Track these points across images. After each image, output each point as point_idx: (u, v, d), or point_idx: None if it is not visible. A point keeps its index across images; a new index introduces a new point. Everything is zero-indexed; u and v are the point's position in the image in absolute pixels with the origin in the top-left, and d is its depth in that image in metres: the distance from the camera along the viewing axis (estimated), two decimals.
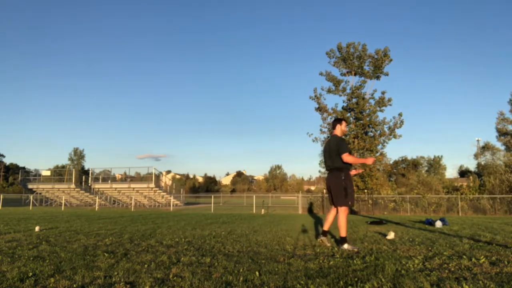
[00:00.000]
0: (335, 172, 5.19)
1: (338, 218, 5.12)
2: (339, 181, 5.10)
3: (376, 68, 24.29)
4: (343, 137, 5.42)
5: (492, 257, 4.20)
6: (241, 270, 3.51)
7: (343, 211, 5.09)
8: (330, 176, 5.29)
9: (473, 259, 4.04)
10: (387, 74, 24.67)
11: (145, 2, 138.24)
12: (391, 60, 24.34)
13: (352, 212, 19.80)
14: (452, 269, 3.57)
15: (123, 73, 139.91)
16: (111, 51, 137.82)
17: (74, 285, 2.96)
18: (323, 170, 26.42)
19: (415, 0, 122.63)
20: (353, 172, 5.46)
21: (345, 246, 4.91)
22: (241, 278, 3.15)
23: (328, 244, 5.17)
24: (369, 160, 5.29)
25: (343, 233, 5.05)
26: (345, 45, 24.83)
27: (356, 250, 4.81)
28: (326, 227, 5.41)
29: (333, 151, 5.18)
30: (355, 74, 24.88)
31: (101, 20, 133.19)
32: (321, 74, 25.09)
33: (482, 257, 4.18)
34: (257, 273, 3.36)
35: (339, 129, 5.40)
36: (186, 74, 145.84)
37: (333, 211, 5.29)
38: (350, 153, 5.17)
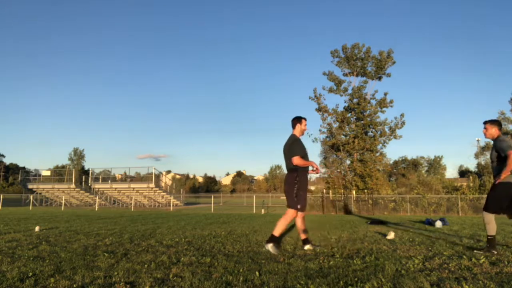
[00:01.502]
0: (289, 174, 4.95)
1: (282, 217, 4.86)
2: (291, 183, 4.85)
3: (378, 69, 24.33)
4: (300, 137, 5.15)
5: (492, 257, 4.20)
6: (241, 270, 3.51)
7: (290, 213, 4.82)
8: (285, 177, 5.06)
9: (473, 259, 4.04)
10: (389, 76, 24.71)
11: (144, 1, 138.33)
12: (394, 62, 24.38)
13: (346, 212, 19.81)
14: (452, 269, 3.57)
15: (123, 73, 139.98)
16: (111, 50, 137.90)
17: (74, 285, 2.96)
18: (323, 170, 26.43)
19: (415, 0, 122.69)
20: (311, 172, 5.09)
21: (269, 246, 4.62)
22: (241, 278, 3.15)
23: (317, 248, 4.92)
24: (316, 167, 4.95)
25: (277, 232, 4.76)
26: (350, 46, 24.89)
27: (279, 252, 4.56)
28: (302, 236, 5.08)
29: (286, 151, 4.96)
30: (357, 75, 24.92)
31: (101, 20, 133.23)
32: (324, 73, 25.14)
33: (482, 257, 4.19)
34: (257, 273, 3.36)
35: (299, 129, 5.12)
36: (186, 73, 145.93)
37: (297, 216, 4.97)
38: (303, 156, 4.88)
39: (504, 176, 4.51)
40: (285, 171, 5.16)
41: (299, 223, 5.05)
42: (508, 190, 4.59)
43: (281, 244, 5.45)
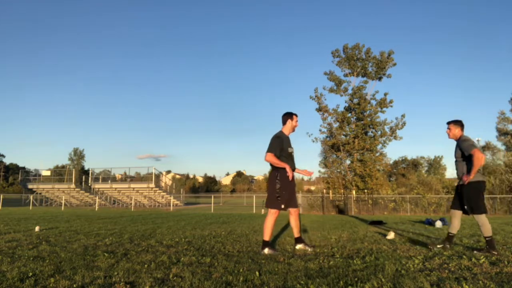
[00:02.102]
0: (271, 172, 4.80)
1: (265, 220, 4.71)
2: (272, 182, 4.70)
3: (379, 69, 24.35)
4: (290, 134, 4.97)
5: (492, 257, 4.20)
6: (241, 270, 3.51)
7: (272, 213, 4.66)
8: (269, 174, 4.89)
9: (473, 259, 4.04)
10: (389, 76, 24.72)
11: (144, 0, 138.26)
12: (394, 64, 24.40)
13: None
14: (452, 269, 3.57)
15: (123, 73, 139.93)
16: (111, 50, 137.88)
17: (74, 285, 2.96)
18: (323, 170, 26.44)
19: (415, 0, 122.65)
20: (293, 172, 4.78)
21: (266, 250, 4.54)
22: (241, 278, 3.15)
23: (309, 249, 4.78)
24: (289, 171, 4.59)
25: (266, 236, 4.63)
26: (351, 47, 24.89)
27: (277, 253, 4.51)
28: (295, 234, 4.93)
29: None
30: (357, 75, 24.93)
31: (100, 19, 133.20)
32: (325, 73, 25.16)
33: (482, 257, 4.19)
34: (257, 273, 3.36)
35: (290, 125, 4.93)
36: (187, 73, 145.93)
37: (290, 215, 4.86)
38: (281, 154, 4.70)
39: (474, 175, 4.60)
40: None
41: (292, 221, 4.87)
42: (481, 187, 4.73)
43: (275, 244, 5.45)
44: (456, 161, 4.95)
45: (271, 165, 4.78)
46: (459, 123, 4.92)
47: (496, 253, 4.47)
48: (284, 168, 4.65)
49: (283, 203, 4.67)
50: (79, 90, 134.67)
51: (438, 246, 4.86)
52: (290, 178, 4.66)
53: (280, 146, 4.73)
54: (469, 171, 4.68)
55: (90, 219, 11.93)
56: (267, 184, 4.87)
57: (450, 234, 4.99)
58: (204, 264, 3.86)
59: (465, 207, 4.78)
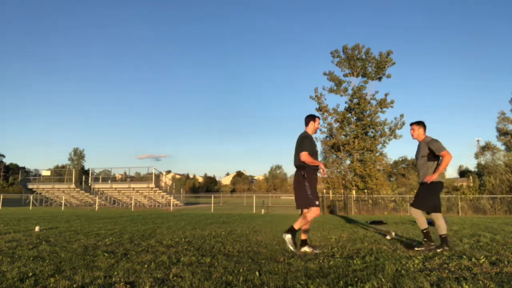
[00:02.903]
0: (297, 171, 4.90)
1: (302, 217, 4.78)
2: (300, 181, 4.79)
3: (378, 69, 24.36)
4: (312, 135, 5.11)
5: (492, 257, 4.20)
6: (241, 270, 3.51)
7: (312, 211, 4.72)
8: (294, 175, 4.97)
9: (473, 259, 4.04)
10: (389, 77, 24.74)
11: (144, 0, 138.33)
12: (394, 63, 24.43)
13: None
14: (452, 269, 3.57)
15: (123, 73, 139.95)
16: (111, 50, 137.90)
17: (74, 285, 2.96)
18: (326, 170, 26.45)
19: (415, 0, 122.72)
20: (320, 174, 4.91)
21: (287, 236, 4.73)
22: (241, 278, 3.15)
23: (317, 251, 4.73)
24: (323, 169, 4.79)
25: (296, 225, 4.75)
26: (351, 47, 24.91)
27: (290, 247, 4.64)
28: (302, 235, 4.94)
29: (296, 147, 4.91)
30: (357, 75, 24.94)
31: (100, 19, 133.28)
32: (324, 74, 25.17)
33: (482, 257, 4.19)
34: (257, 273, 3.36)
35: (312, 126, 5.09)
36: (187, 73, 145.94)
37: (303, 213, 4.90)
38: (311, 153, 4.81)
39: (437, 175, 4.81)
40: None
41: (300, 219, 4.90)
42: (440, 188, 4.93)
43: (275, 244, 5.45)
44: (417, 160, 5.13)
45: (297, 164, 4.88)
46: (422, 124, 5.12)
47: (433, 245, 4.76)
48: (310, 167, 4.80)
49: (317, 199, 4.78)
50: (79, 90, 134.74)
51: (439, 250, 4.80)
52: (324, 174, 4.86)
53: (312, 145, 4.89)
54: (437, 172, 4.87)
55: (90, 219, 11.93)
56: (294, 185, 4.93)
57: (441, 236, 4.99)
58: (204, 264, 3.87)
59: (414, 202, 4.98)
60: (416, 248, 4.84)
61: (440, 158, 4.90)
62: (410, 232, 7.47)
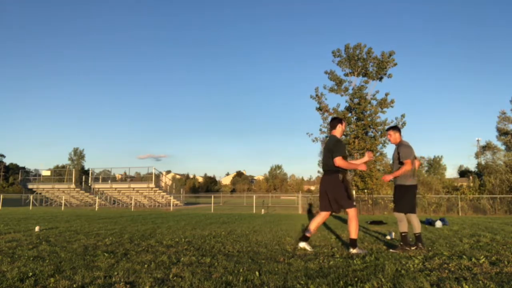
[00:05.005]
0: (332, 174, 4.87)
1: (350, 221, 4.75)
2: (338, 185, 4.80)
3: (379, 69, 24.35)
4: (341, 137, 5.22)
5: (492, 257, 4.20)
6: (241, 270, 3.51)
7: (352, 213, 4.73)
8: (326, 178, 4.95)
9: (473, 259, 4.05)
10: (390, 76, 24.72)
11: (144, 0, 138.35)
12: (395, 64, 24.41)
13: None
14: (452, 269, 3.57)
15: (123, 73, 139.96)
16: (111, 50, 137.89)
17: (74, 285, 2.96)
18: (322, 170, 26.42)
19: (416, 0, 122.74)
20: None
21: (355, 250, 4.64)
22: (241, 278, 3.15)
23: (310, 249, 4.79)
24: (363, 166, 4.87)
25: (353, 235, 4.71)
26: (352, 47, 24.89)
27: (365, 251, 4.66)
28: (306, 232, 4.98)
29: (327, 151, 4.93)
30: (358, 75, 24.93)
31: (100, 18, 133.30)
32: (326, 72, 25.16)
33: (482, 257, 4.19)
34: (257, 273, 3.36)
35: (340, 129, 5.12)
36: (186, 73, 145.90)
37: (319, 215, 4.95)
38: (345, 157, 4.87)
39: (393, 176, 5.11)
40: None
41: (319, 220, 4.94)
42: (415, 191, 5.17)
43: (275, 244, 5.44)
44: (393, 162, 5.36)
45: (330, 168, 4.87)
46: (397, 129, 5.43)
47: (408, 248, 4.86)
48: (345, 170, 4.88)
49: (354, 200, 4.89)
50: (79, 90, 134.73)
51: (413, 248, 4.96)
52: (365, 169, 4.87)
53: (345, 148, 4.95)
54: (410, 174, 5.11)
55: (90, 219, 11.93)
56: (329, 188, 4.88)
57: (415, 234, 5.13)
58: (204, 264, 3.87)
59: (396, 206, 5.18)
60: (391, 250, 4.94)
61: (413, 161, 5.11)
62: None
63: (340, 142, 4.95)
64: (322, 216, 4.95)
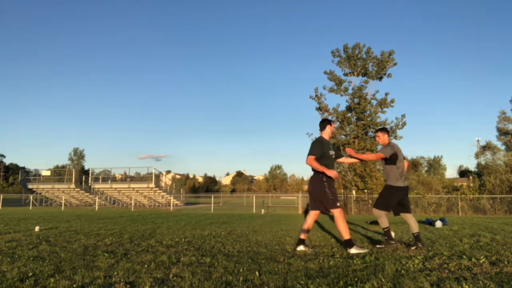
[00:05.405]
0: (315, 175, 4.88)
1: (336, 222, 4.78)
2: (320, 185, 4.79)
3: (379, 69, 24.33)
4: (329, 139, 5.18)
5: (492, 257, 4.20)
6: (241, 270, 3.51)
7: (337, 213, 4.74)
8: (311, 178, 4.97)
9: (473, 259, 4.04)
10: (390, 76, 24.70)
11: (144, 0, 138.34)
12: (395, 63, 24.39)
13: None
14: (452, 269, 3.57)
15: (123, 73, 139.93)
16: (111, 49, 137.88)
17: (74, 285, 2.96)
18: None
19: (416, 0, 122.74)
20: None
21: (352, 249, 4.62)
22: (241, 278, 3.15)
23: (309, 250, 4.78)
24: (332, 173, 4.71)
25: (345, 235, 4.70)
26: (351, 46, 24.88)
27: (365, 251, 4.64)
28: (301, 234, 4.94)
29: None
30: (357, 75, 24.92)
31: (100, 18, 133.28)
32: (325, 72, 25.15)
33: (482, 257, 4.19)
34: (257, 273, 3.36)
35: (329, 130, 5.12)
36: (187, 73, 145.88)
37: (310, 214, 4.92)
38: (321, 157, 4.82)
39: (356, 155, 5.35)
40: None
41: (309, 220, 4.92)
42: (398, 192, 5.19)
43: (275, 244, 5.44)
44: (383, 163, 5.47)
45: (312, 168, 4.91)
46: (385, 130, 5.52)
47: (393, 242, 5.10)
48: (330, 170, 4.82)
49: (338, 201, 4.84)
50: (79, 90, 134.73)
51: (412, 248, 4.98)
52: (336, 177, 4.80)
53: (321, 150, 4.90)
54: (402, 175, 5.25)
55: (90, 219, 11.93)
56: (311, 188, 4.93)
57: (413, 234, 5.17)
58: (204, 264, 3.87)
59: (375, 203, 5.32)
60: (377, 246, 5.14)
61: (397, 162, 5.19)
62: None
63: (318, 142, 4.95)
64: (311, 216, 4.95)
